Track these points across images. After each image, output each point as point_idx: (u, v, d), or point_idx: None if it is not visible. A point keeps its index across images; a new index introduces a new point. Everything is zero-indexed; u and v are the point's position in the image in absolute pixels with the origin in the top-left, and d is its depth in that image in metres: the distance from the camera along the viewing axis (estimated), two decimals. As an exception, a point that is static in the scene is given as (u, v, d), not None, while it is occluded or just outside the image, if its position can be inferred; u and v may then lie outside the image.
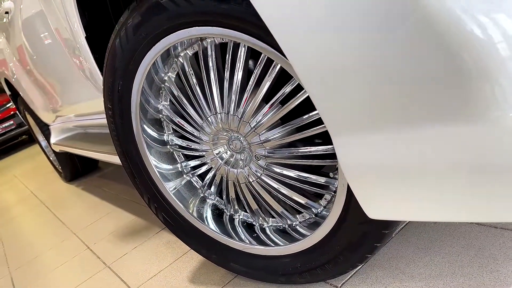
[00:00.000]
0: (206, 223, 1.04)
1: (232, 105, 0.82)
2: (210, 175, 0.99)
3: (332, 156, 0.77)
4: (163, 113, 0.98)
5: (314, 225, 0.89)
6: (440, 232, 0.92)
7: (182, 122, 0.94)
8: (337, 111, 0.54)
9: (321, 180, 0.81)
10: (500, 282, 0.74)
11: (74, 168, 2.93)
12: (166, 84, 0.94)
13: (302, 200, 0.86)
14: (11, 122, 7.23)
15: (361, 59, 0.48)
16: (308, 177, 0.82)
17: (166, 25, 0.79)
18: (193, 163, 1.03)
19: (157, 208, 1.07)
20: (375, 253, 0.80)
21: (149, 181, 1.04)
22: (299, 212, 0.91)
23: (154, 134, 1.01)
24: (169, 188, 1.04)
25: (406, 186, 0.53)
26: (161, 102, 0.97)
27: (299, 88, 0.73)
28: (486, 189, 0.47)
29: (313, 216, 0.89)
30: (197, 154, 0.96)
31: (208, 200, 1.06)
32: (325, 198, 0.85)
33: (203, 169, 1.00)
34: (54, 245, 1.88)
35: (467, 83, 0.42)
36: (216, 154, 0.92)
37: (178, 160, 1.05)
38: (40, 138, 3.21)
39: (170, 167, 1.05)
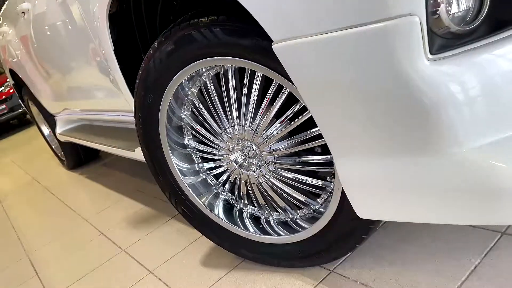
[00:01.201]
0: (218, 215, 1.21)
1: (248, 120, 0.99)
2: (224, 176, 1.16)
3: (328, 164, 0.95)
4: (185, 121, 1.15)
5: (312, 219, 1.07)
6: (415, 227, 1.11)
7: (202, 130, 1.11)
8: (341, 141, 0.71)
9: (319, 182, 0.99)
10: (460, 268, 0.93)
11: (77, 157, 3.07)
12: (189, 97, 1.10)
13: (302, 198, 1.04)
14: (4, 106, 7.27)
15: (359, 107, 0.65)
16: (308, 180, 1.00)
17: (195, 53, 0.95)
18: (209, 165, 1.20)
19: (177, 202, 1.24)
20: (362, 243, 0.99)
21: (170, 178, 1.21)
22: (300, 208, 1.09)
23: (176, 138, 1.17)
24: (187, 184, 1.21)
25: (390, 196, 0.71)
26: (184, 112, 1.13)
27: (304, 109, 0.90)
28: (446, 200, 0.66)
29: (312, 211, 1.07)
30: (214, 158, 1.13)
31: (221, 196, 1.23)
32: (322, 197, 1.03)
33: (219, 170, 1.17)
34: (67, 230, 2.04)
35: (429, 129, 0.59)
36: (232, 159, 1.09)
37: (195, 161, 1.22)
38: (43, 126, 3.33)
39: (188, 166, 1.21)
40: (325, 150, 0.97)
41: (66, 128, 2.75)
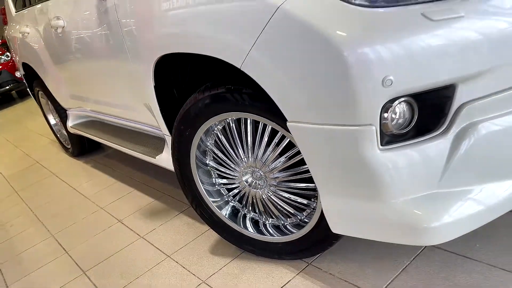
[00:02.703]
0: (226, 218, 1.62)
1: (259, 155, 1.39)
2: (236, 191, 1.57)
3: (313, 189, 1.36)
4: (209, 147, 1.54)
5: (298, 226, 1.49)
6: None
7: (222, 156, 1.51)
8: (326, 185, 1.13)
9: (305, 201, 1.41)
10: (396, 266, 1.37)
11: (82, 146, 3.40)
12: (215, 131, 1.49)
13: (292, 210, 1.46)
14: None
15: (338, 169, 1.07)
16: (298, 199, 1.42)
17: (226, 107, 1.34)
18: (223, 180, 1.60)
19: (197, 205, 1.64)
20: (333, 245, 1.42)
21: (194, 186, 1.61)
22: (290, 217, 1.51)
23: (201, 159, 1.57)
24: (205, 192, 1.61)
25: (353, 222, 1.14)
26: (209, 141, 1.53)
27: (298, 152, 1.31)
28: (384, 228, 1.08)
29: (298, 220, 1.49)
30: (229, 177, 1.54)
31: (230, 203, 1.64)
32: (306, 211, 1.45)
33: (231, 186, 1.58)
34: (85, 215, 2.41)
35: (378, 187, 1.02)
36: (244, 179, 1.50)
37: (213, 176, 1.62)
38: (50, 116, 3.62)
39: (207, 179, 1.61)
40: (310, 179, 1.39)
41: (77, 122, 3.08)
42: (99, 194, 2.66)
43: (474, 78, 0.95)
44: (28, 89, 3.75)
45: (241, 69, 1.15)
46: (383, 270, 1.37)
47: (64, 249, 2.12)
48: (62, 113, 3.18)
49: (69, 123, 3.11)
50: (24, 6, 3.07)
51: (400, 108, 0.99)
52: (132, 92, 1.87)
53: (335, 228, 1.21)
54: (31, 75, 3.37)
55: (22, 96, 8.26)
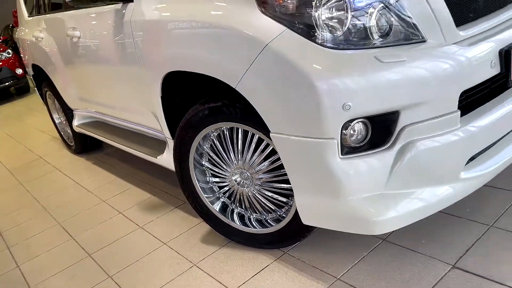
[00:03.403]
0: (217, 212, 1.89)
1: (247, 159, 1.67)
2: (226, 188, 1.85)
3: (290, 189, 1.64)
4: (205, 150, 1.82)
5: (277, 220, 1.76)
6: (339, 233, 1.83)
7: (216, 158, 1.79)
8: (300, 188, 1.41)
9: (284, 199, 1.69)
10: (355, 255, 1.65)
11: (85, 144, 3.65)
12: (211, 137, 1.77)
13: (273, 207, 1.74)
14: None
15: (310, 173, 1.35)
16: (278, 197, 1.70)
17: (221, 118, 1.62)
18: (215, 179, 1.88)
19: (192, 200, 1.92)
20: (305, 237, 1.70)
21: (191, 184, 1.88)
22: (270, 212, 1.78)
23: (198, 160, 1.84)
24: (200, 189, 1.88)
25: (319, 215, 1.42)
26: (206, 145, 1.80)
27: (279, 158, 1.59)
28: (343, 220, 1.37)
29: (278, 216, 1.77)
30: (221, 176, 1.82)
31: (221, 199, 1.91)
32: (285, 208, 1.73)
33: (222, 184, 1.85)
34: (89, 206, 2.66)
35: (338, 187, 1.30)
36: (233, 179, 1.78)
37: (207, 175, 1.89)
38: (55, 115, 3.88)
39: (203, 178, 1.89)
40: (288, 181, 1.67)
41: (83, 122, 3.33)
42: (101, 188, 2.92)
43: (413, 107, 1.24)
44: (36, 89, 4.00)
45: (236, 88, 1.43)
46: (345, 258, 1.66)
47: (70, 235, 2.37)
48: (68, 113, 3.44)
49: (75, 123, 3.37)
50: (39, 13, 3.34)
51: (357, 127, 1.28)
52: (140, 100, 2.15)
53: (305, 221, 1.49)
54: (40, 76, 3.63)
55: (21, 93, 8.47)
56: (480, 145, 1.35)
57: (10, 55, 7.92)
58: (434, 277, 1.46)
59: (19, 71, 7.88)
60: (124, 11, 1.98)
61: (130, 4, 1.95)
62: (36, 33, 3.30)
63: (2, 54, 7.82)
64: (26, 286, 2.01)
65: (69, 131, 3.68)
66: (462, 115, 1.31)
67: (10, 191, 3.31)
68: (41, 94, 3.94)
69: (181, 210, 2.34)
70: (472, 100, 1.37)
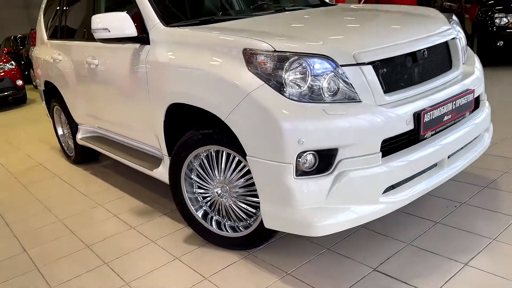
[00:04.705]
0: (199, 218, 2.35)
1: (228, 176, 2.16)
2: (208, 198, 2.32)
3: (258, 202, 2.12)
4: (195, 166, 2.30)
5: (246, 227, 2.23)
6: (299, 237, 2.31)
7: (203, 173, 2.27)
8: (266, 199, 1.90)
9: (253, 210, 2.16)
10: (316, 249, 2.12)
11: (84, 155, 4.07)
12: (200, 156, 2.25)
13: (244, 216, 2.21)
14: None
15: (276, 189, 1.85)
16: (248, 208, 2.17)
17: (211, 142, 2.11)
18: (201, 191, 2.35)
19: (181, 207, 2.38)
20: (271, 240, 2.17)
21: (181, 193, 2.35)
22: (242, 221, 2.25)
23: (188, 174, 2.32)
24: (188, 199, 2.35)
25: (278, 221, 1.90)
26: (196, 162, 2.29)
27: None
28: (293, 225, 1.85)
29: (247, 223, 2.23)
30: (205, 188, 2.29)
31: (203, 207, 2.38)
32: (253, 217, 2.20)
33: (205, 195, 2.33)
34: (86, 209, 3.08)
35: (291, 199, 1.79)
36: (215, 191, 2.26)
37: (194, 187, 2.36)
38: (59, 128, 4.31)
39: (190, 189, 2.36)
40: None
41: (86, 135, 3.78)
42: (98, 194, 3.34)
43: (348, 146, 1.76)
44: (43, 102, 4.44)
45: (224, 121, 1.94)
46: (296, 260, 2.13)
47: (70, 230, 2.79)
48: (73, 127, 3.88)
49: (79, 136, 3.81)
50: (59, 37, 3.84)
51: (308, 157, 1.79)
52: (145, 122, 2.63)
53: (267, 225, 1.96)
54: (50, 92, 4.09)
55: (18, 103, 8.84)
56: (395, 179, 1.87)
57: (13, 67, 8.35)
58: (357, 276, 1.94)
59: (20, 82, 8.30)
60: (141, 52, 2.49)
61: (147, 46, 2.46)
62: (55, 55, 3.79)
63: (6, 65, 8.24)
64: (34, 266, 2.41)
65: (70, 142, 4.11)
66: (384, 156, 1.83)
67: (11, 190, 3.69)
68: (48, 108, 4.38)
69: (168, 216, 2.79)
70: (392, 147, 1.89)
